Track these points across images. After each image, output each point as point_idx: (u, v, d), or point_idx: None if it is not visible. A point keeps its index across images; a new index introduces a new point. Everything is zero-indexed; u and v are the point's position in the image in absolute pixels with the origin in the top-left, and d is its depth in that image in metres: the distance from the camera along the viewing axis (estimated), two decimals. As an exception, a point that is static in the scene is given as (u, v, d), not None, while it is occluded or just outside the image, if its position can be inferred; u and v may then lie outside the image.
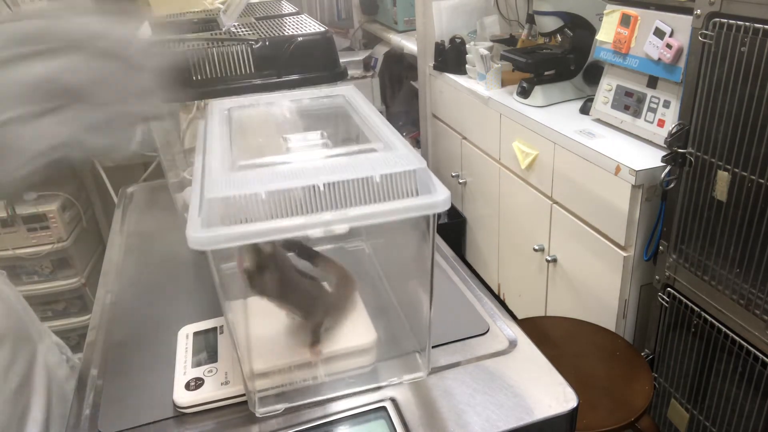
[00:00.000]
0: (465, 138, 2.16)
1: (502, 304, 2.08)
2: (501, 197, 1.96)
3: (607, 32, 1.53)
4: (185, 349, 0.74)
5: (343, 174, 0.55)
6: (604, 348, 1.34)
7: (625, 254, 1.41)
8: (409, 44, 2.50)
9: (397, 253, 0.80)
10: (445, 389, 0.68)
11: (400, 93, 3.02)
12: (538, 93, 1.76)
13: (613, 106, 1.56)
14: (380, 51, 2.84)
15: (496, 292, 2.12)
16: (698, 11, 1.15)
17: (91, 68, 0.56)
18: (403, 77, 2.97)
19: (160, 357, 0.76)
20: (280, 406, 0.66)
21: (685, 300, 1.30)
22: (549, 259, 1.70)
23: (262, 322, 0.69)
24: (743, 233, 1.12)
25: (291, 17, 1.10)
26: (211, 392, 0.67)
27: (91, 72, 0.56)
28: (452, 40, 2.19)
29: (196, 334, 0.77)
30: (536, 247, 1.77)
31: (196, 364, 0.71)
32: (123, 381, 0.73)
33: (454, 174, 2.30)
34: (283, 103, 0.82)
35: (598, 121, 1.62)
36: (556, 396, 0.67)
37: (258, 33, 0.96)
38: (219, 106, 0.79)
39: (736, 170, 1.11)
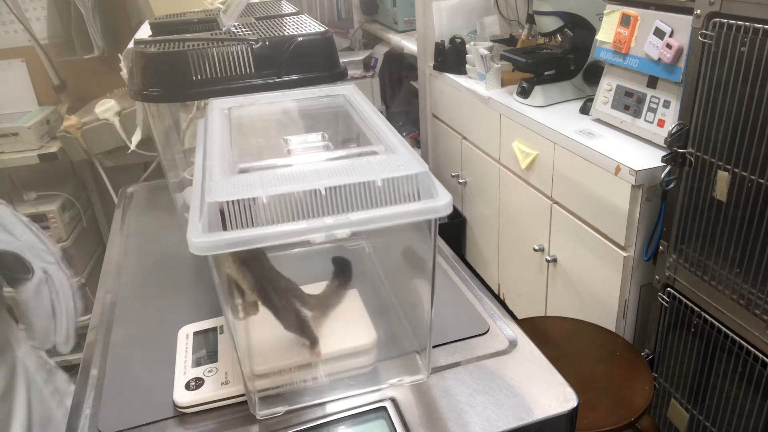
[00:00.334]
0: (465, 138, 2.16)
1: (502, 304, 2.08)
2: (501, 197, 1.96)
3: (607, 32, 1.53)
4: (185, 349, 0.74)
5: (344, 178, 0.55)
6: (604, 348, 1.34)
7: (625, 254, 1.41)
8: (409, 44, 2.50)
9: (398, 254, 0.80)
10: (445, 389, 0.69)
11: (400, 93, 3.02)
12: (538, 93, 1.76)
13: (613, 106, 1.56)
14: (380, 51, 2.84)
15: (496, 292, 2.12)
16: (698, 11, 1.15)
17: None
18: (403, 77, 2.97)
19: (160, 357, 0.76)
20: (281, 409, 0.66)
21: (685, 300, 1.30)
22: (549, 259, 1.71)
23: (262, 323, 0.69)
24: (743, 233, 1.12)
25: (291, 17, 1.10)
26: (211, 392, 0.67)
27: None
28: (452, 40, 2.19)
29: (196, 334, 0.77)
30: (536, 247, 1.77)
31: (196, 364, 0.71)
32: (123, 381, 0.73)
33: (454, 174, 2.30)
34: (284, 103, 0.82)
35: (598, 121, 1.62)
36: (556, 396, 0.67)
37: (258, 33, 0.96)
38: (219, 106, 0.79)
39: (736, 170, 1.11)
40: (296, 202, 0.54)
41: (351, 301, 0.76)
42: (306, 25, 1.01)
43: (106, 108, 1.90)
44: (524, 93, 1.79)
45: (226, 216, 0.52)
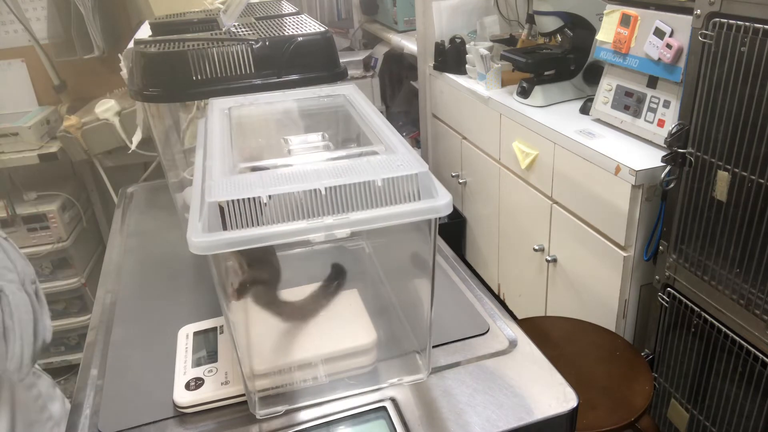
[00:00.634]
0: (465, 138, 2.16)
1: (502, 304, 2.08)
2: (501, 197, 1.96)
3: (607, 32, 1.53)
4: (185, 349, 0.74)
5: (344, 178, 0.55)
6: (604, 348, 1.34)
7: (625, 254, 1.41)
8: (409, 44, 2.50)
9: (398, 254, 0.80)
10: (445, 389, 0.69)
11: (400, 93, 3.01)
12: (538, 93, 1.76)
13: (613, 106, 1.56)
14: (380, 51, 2.84)
15: (496, 292, 2.12)
16: (698, 11, 1.15)
17: None
18: (403, 77, 2.97)
19: (160, 357, 0.76)
20: (281, 408, 0.66)
21: (685, 300, 1.30)
22: (549, 259, 1.71)
23: (262, 322, 0.69)
24: (743, 233, 1.12)
25: (291, 17, 1.10)
26: (211, 392, 0.67)
27: None
28: (452, 40, 2.19)
29: (196, 334, 0.77)
30: (536, 247, 1.77)
31: (196, 364, 0.71)
32: (123, 381, 0.73)
33: (454, 174, 2.30)
34: (284, 103, 0.82)
35: (598, 121, 1.62)
36: (556, 396, 0.67)
37: (258, 33, 0.96)
38: (219, 106, 0.79)
39: (736, 170, 1.11)
40: (296, 202, 0.54)
41: (351, 301, 0.76)
42: (306, 25, 1.01)
43: (106, 108, 1.90)
44: (524, 93, 1.79)
45: (226, 215, 0.52)
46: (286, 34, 0.95)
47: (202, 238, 0.51)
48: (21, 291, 0.62)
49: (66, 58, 2.16)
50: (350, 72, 2.63)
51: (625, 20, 1.46)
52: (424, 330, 0.68)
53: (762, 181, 1.06)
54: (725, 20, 1.09)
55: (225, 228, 0.53)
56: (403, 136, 0.66)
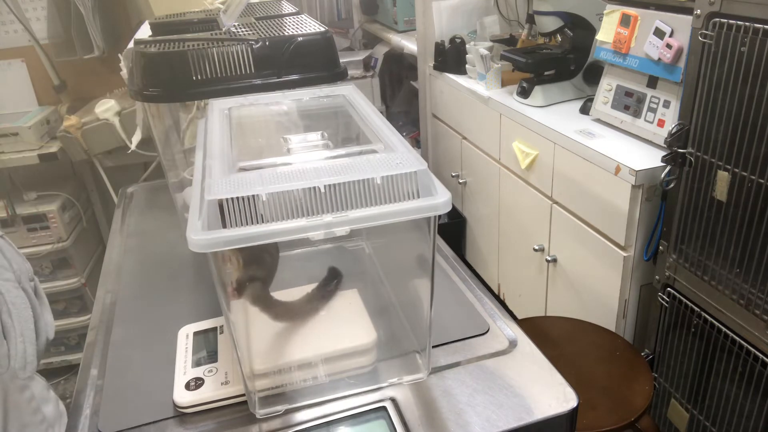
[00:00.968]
0: (465, 138, 2.16)
1: (502, 304, 2.08)
2: (501, 197, 1.96)
3: (607, 32, 1.53)
4: (185, 349, 0.74)
5: (344, 176, 0.55)
6: (604, 348, 1.34)
7: (625, 254, 1.41)
8: (409, 44, 2.50)
9: (398, 253, 0.80)
10: (445, 389, 0.68)
11: (400, 93, 3.01)
12: (538, 93, 1.76)
13: (613, 106, 1.56)
14: (380, 51, 2.84)
15: (496, 292, 2.12)
16: (698, 11, 1.15)
17: None
18: (403, 77, 2.97)
19: (160, 357, 0.76)
20: (281, 408, 0.66)
21: (685, 300, 1.30)
22: (549, 259, 1.71)
23: (262, 322, 0.69)
24: (743, 233, 1.12)
25: (291, 17, 1.10)
26: (211, 392, 0.67)
27: None
28: (452, 40, 2.19)
29: (196, 334, 0.77)
30: (536, 247, 1.77)
31: (196, 364, 0.71)
32: (123, 381, 0.73)
33: (454, 174, 2.30)
34: (284, 103, 0.82)
35: (598, 121, 1.62)
36: (556, 396, 0.67)
37: (258, 33, 0.96)
38: (219, 106, 0.79)
39: (736, 170, 1.11)
40: (296, 200, 0.54)
41: (351, 301, 0.76)
42: (306, 25, 1.01)
43: (106, 108, 1.90)
44: (524, 93, 1.79)
45: (225, 213, 0.52)
46: (286, 34, 0.95)
47: (201, 236, 0.51)
48: (18, 289, 0.62)
49: (66, 58, 2.16)
50: (350, 72, 2.63)
51: (625, 20, 1.46)
52: (424, 330, 0.68)
53: (762, 181, 1.06)
54: (725, 20, 1.09)
55: (224, 226, 0.53)
56: (403, 136, 0.66)
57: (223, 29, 1.01)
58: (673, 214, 1.29)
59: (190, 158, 1.03)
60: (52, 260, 2.18)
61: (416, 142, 2.73)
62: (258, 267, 0.64)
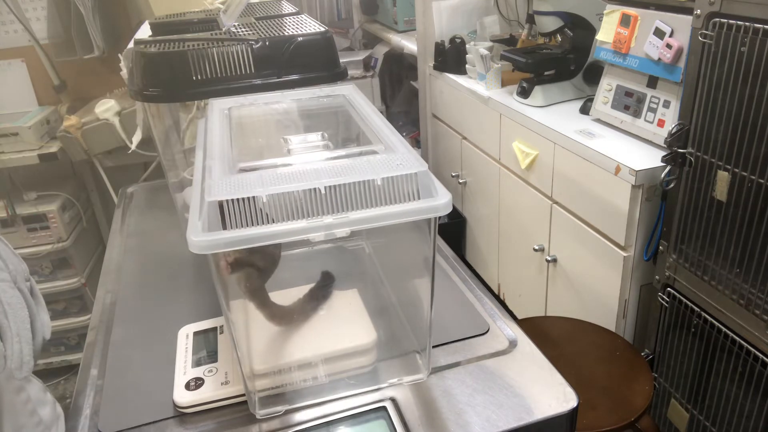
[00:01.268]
0: (465, 138, 2.16)
1: (502, 304, 2.08)
2: (501, 197, 1.96)
3: (607, 32, 1.53)
4: (185, 349, 0.74)
5: (344, 177, 0.55)
6: (604, 348, 1.34)
7: (625, 254, 1.41)
8: (409, 44, 2.50)
9: (398, 254, 0.80)
10: (445, 389, 0.69)
11: (400, 93, 3.01)
12: (538, 93, 1.76)
13: (613, 106, 1.56)
14: (380, 51, 2.84)
15: (496, 292, 2.12)
16: (698, 11, 1.15)
17: None
18: (403, 77, 2.97)
19: (160, 357, 0.76)
20: (280, 408, 0.66)
21: (685, 300, 1.30)
22: (549, 259, 1.71)
23: (262, 322, 0.69)
24: (743, 233, 1.12)
25: (291, 17, 1.10)
26: (211, 392, 0.67)
27: None
28: (452, 40, 2.19)
29: (196, 334, 0.77)
30: (536, 247, 1.77)
31: (196, 364, 0.71)
32: (123, 381, 0.73)
33: (454, 174, 2.30)
34: (284, 103, 0.82)
35: (598, 121, 1.62)
36: (556, 396, 0.67)
37: (258, 33, 0.96)
38: (219, 106, 0.79)
39: (736, 170, 1.11)
40: (296, 201, 0.54)
41: (351, 301, 0.76)
42: (306, 25, 1.01)
43: (106, 108, 1.90)
44: (524, 93, 1.79)
45: (225, 215, 0.52)
46: (286, 34, 0.95)
47: (201, 237, 0.51)
48: (14, 289, 0.62)
49: (66, 58, 2.16)
50: (350, 72, 2.63)
51: (625, 20, 1.46)
52: (424, 330, 0.68)
53: (762, 181, 1.06)
54: (725, 20, 1.09)
55: (225, 227, 0.53)
56: (403, 136, 0.66)
57: (223, 29, 1.01)
58: (673, 214, 1.29)
59: (190, 158, 1.03)
60: (52, 260, 2.18)
61: (416, 142, 2.73)
62: (258, 255, 0.64)
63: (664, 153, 1.27)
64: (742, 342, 1.16)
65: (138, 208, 1.24)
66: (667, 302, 1.36)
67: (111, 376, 0.74)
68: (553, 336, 1.39)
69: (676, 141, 1.24)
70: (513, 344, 0.75)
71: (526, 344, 0.76)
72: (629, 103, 1.51)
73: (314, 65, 0.95)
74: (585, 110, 1.68)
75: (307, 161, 0.62)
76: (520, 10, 2.25)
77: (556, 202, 1.65)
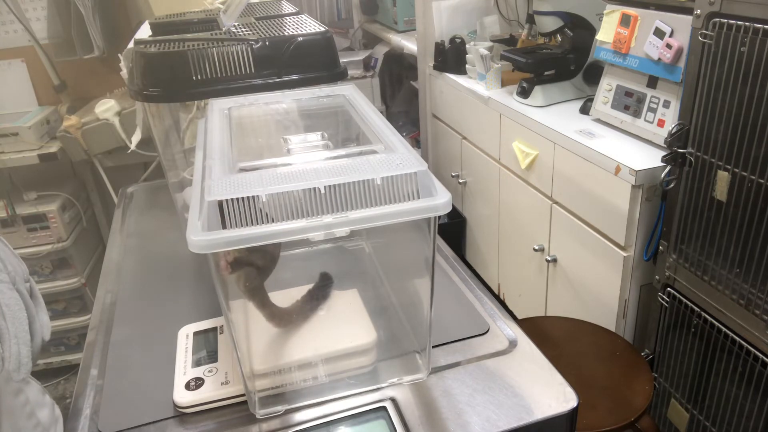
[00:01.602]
0: (465, 138, 2.16)
1: (502, 304, 2.08)
2: (501, 197, 1.96)
3: (607, 32, 1.53)
4: (185, 349, 0.74)
5: (344, 176, 0.55)
6: (604, 348, 1.34)
7: (625, 254, 1.41)
8: (409, 44, 2.50)
9: (398, 254, 0.80)
10: (445, 389, 0.69)
11: (400, 93, 3.01)
12: (538, 93, 1.76)
13: (613, 106, 1.56)
14: (380, 51, 2.84)
15: (496, 292, 2.12)
16: (698, 11, 1.15)
17: None
18: (403, 77, 2.97)
19: (160, 357, 0.76)
20: (280, 408, 0.66)
21: (685, 300, 1.30)
22: (549, 259, 1.71)
23: (262, 322, 0.69)
24: (743, 233, 1.12)
25: (291, 17, 1.10)
26: (211, 392, 0.67)
27: None
28: (452, 40, 2.19)
29: (196, 334, 0.77)
30: (536, 247, 1.77)
31: (196, 364, 0.71)
32: (123, 381, 0.73)
33: (454, 174, 2.30)
34: (284, 103, 0.82)
35: (598, 121, 1.62)
36: (556, 396, 0.67)
37: (258, 33, 0.96)
38: (219, 106, 0.79)
39: (736, 170, 1.11)
40: (296, 201, 0.54)
41: (351, 301, 0.76)
42: (306, 25, 1.01)
43: (106, 108, 1.90)
44: (524, 93, 1.79)
45: (225, 214, 0.52)
46: (286, 34, 0.95)
47: (201, 236, 0.51)
48: (12, 290, 0.62)
49: (66, 58, 2.16)
50: (350, 72, 2.63)
51: (625, 20, 1.46)
52: (424, 330, 0.68)
53: (762, 181, 1.06)
54: (725, 20, 1.09)
55: (224, 227, 0.53)
56: (403, 136, 0.66)
57: (223, 29, 1.01)
58: (673, 214, 1.29)
59: (190, 158, 1.03)
60: (52, 260, 2.18)
61: (416, 142, 2.73)
62: (258, 254, 0.64)
63: (664, 153, 1.27)
64: (742, 342, 1.16)
65: (138, 208, 1.24)
66: (667, 302, 1.36)
67: (111, 376, 0.74)
68: (553, 336, 1.39)
69: (676, 141, 1.24)
70: (513, 344, 0.75)
71: (526, 344, 0.76)
72: (629, 103, 1.51)
73: (314, 65, 0.95)
74: (585, 110, 1.68)
75: (307, 161, 0.62)
76: (520, 10, 2.25)
77: (556, 202, 1.65)
